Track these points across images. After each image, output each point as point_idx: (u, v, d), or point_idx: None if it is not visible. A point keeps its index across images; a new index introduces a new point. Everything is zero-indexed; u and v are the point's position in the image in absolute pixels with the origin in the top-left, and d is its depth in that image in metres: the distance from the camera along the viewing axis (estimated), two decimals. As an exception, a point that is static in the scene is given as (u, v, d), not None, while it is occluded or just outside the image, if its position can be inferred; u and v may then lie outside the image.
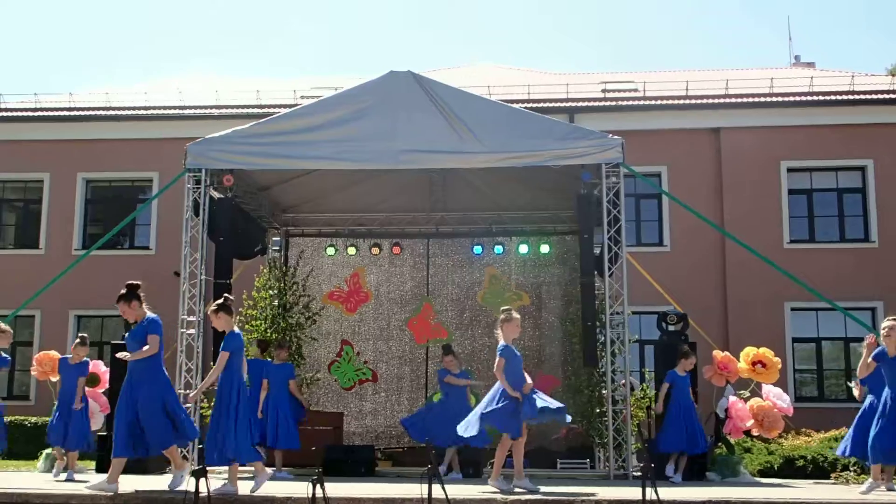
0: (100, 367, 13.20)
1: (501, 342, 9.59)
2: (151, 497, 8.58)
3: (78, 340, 11.92)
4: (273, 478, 10.85)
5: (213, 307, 9.73)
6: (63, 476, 11.39)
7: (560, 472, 13.61)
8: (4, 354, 11.29)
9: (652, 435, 13.19)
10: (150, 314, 9.40)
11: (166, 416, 9.21)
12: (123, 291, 9.42)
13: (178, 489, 8.87)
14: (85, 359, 11.86)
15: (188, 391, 12.15)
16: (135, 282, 9.50)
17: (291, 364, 13.84)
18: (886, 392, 9.68)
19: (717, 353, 13.65)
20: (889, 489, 9.45)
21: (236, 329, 9.63)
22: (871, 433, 9.67)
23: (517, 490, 9.11)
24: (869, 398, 10.31)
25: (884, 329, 9.88)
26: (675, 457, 12.12)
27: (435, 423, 12.45)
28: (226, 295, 10.09)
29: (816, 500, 8.38)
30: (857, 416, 10.42)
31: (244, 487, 8.93)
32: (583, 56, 76.53)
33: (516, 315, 9.73)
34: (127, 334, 9.64)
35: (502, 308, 10.01)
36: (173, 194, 16.84)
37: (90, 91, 28.04)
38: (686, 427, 12.03)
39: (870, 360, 9.79)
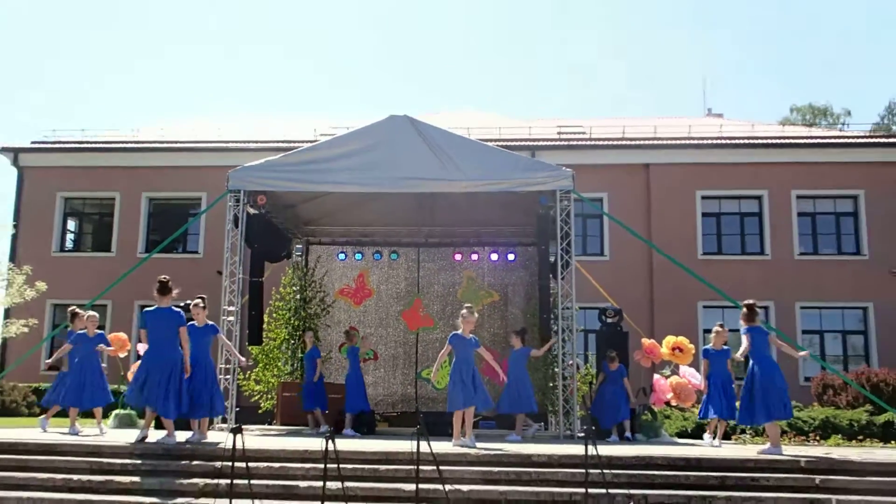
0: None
1: (460, 332, 9.77)
2: (196, 449, 8.53)
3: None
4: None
5: (198, 303, 9.79)
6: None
7: (520, 432, 13.57)
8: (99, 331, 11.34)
9: (588, 404, 13.21)
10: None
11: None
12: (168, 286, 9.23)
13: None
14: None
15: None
16: (163, 277, 9.31)
17: (316, 348, 13.92)
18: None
19: (645, 341, 13.71)
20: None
21: (209, 322, 9.93)
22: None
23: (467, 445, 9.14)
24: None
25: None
26: (715, 423, 11.35)
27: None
28: (202, 296, 10.08)
29: (719, 455, 8.42)
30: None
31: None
32: (543, 104, 76.73)
33: (475, 314, 9.96)
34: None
35: (466, 305, 10.07)
36: (217, 210, 16.82)
37: (151, 128, 28.02)
38: (721, 396, 11.19)
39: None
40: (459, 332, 9.76)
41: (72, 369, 11.07)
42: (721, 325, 11.50)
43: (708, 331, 22.27)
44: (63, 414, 11.52)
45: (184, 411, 9.16)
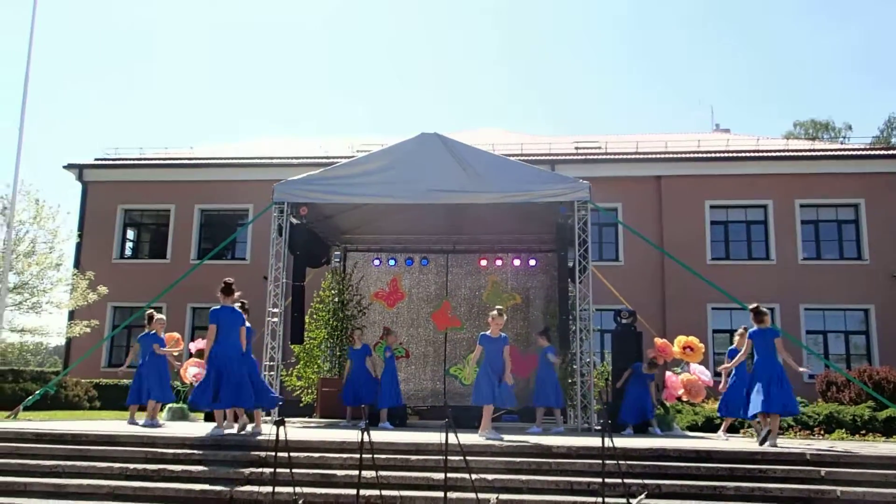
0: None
1: (489, 333, 9.73)
2: (244, 439, 8.55)
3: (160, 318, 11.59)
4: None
5: (240, 305, 9.67)
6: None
7: (540, 425, 13.49)
8: (162, 336, 11.42)
9: (608, 399, 13.08)
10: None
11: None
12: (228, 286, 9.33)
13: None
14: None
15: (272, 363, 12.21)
16: (228, 279, 9.42)
17: (367, 345, 13.79)
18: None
19: (658, 340, 13.54)
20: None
21: (248, 325, 9.77)
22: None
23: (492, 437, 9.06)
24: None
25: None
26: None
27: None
28: (243, 300, 10.00)
29: (729, 448, 8.28)
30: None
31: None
32: (562, 122, 76.58)
33: (503, 316, 9.88)
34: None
35: (497, 307, 10.06)
36: (263, 221, 16.92)
37: (204, 146, 28.34)
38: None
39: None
40: (488, 332, 9.73)
41: (151, 366, 11.18)
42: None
43: (717, 331, 22.20)
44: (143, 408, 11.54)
45: (250, 403, 9.27)
